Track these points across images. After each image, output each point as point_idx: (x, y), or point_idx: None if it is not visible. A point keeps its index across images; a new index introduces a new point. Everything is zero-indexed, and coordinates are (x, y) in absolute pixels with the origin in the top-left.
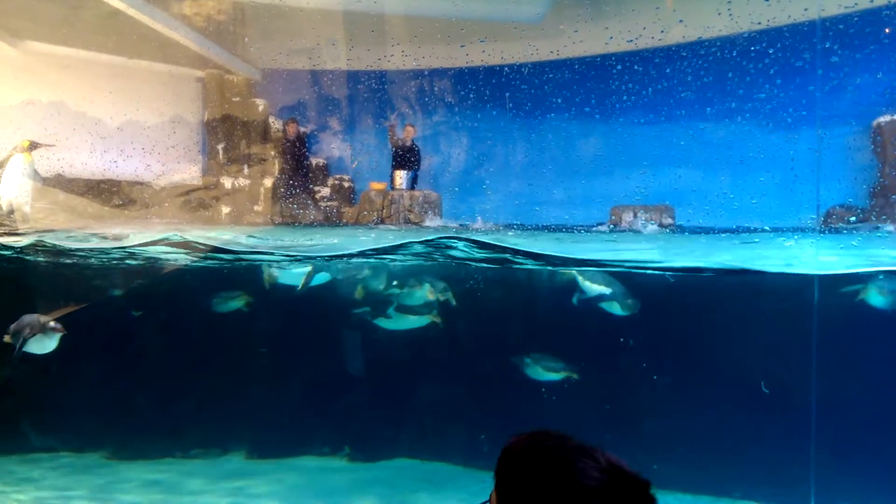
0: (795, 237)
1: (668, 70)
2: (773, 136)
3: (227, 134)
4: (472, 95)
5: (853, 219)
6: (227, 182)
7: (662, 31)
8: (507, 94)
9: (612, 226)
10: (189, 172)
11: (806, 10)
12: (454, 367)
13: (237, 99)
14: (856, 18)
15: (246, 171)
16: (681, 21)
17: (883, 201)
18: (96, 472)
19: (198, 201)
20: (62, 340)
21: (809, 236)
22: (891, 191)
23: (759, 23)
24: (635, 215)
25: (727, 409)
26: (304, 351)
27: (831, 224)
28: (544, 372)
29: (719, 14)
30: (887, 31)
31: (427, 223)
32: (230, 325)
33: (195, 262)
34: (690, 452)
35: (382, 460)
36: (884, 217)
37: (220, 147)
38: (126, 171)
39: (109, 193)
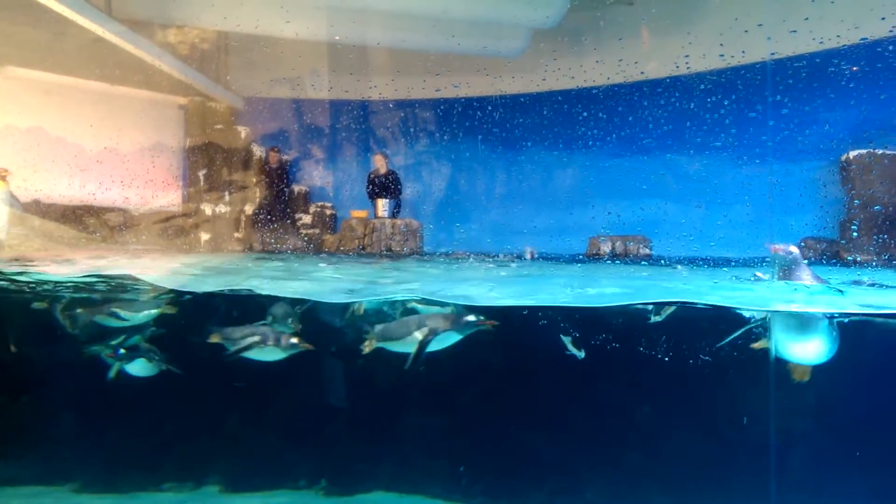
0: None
1: (641, 103)
2: (744, 171)
3: (208, 161)
4: (453, 126)
5: (806, 261)
6: (208, 209)
7: (640, 72)
8: (488, 126)
9: (590, 256)
10: (169, 199)
11: (773, 53)
12: (435, 398)
13: (220, 126)
14: (817, 60)
15: (227, 198)
16: (640, 72)
17: (851, 234)
18: None
19: (177, 228)
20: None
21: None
22: (858, 224)
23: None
24: (613, 245)
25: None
26: (281, 381)
27: (803, 256)
28: None
29: (704, 48)
30: (854, 69)
31: (408, 251)
32: (208, 356)
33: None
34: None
35: (360, 493)
36: (852, 248)
37: (201, 174)
38: (105, 198)
39: (87, 219)
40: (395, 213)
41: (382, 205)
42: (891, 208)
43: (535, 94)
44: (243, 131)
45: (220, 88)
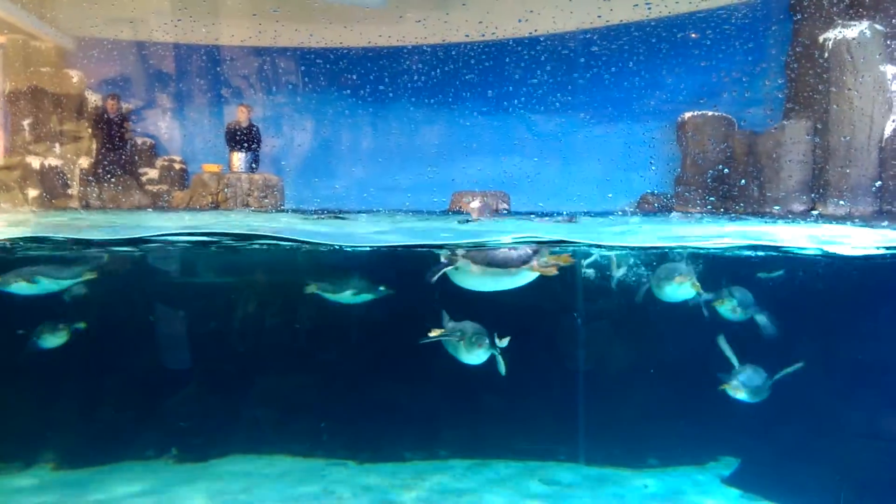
0: None
1: (503, 62)
2: (594, 130)
3: (34, 108)
4: (316, 77)
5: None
6: (35, 162)
7: (494, 27)
8: (352, 78)
9: (451, 211)
10: None
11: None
12: (288, 355)
13: (46, 69)
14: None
15: (57, 150)
16: (522, 21)
17: (683, 189)
18: None
19: None
20: None
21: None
22: (689, 180)
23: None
24: (473, 200)
25: None
26: (119, 344)
27: (643, 209)
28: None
29: (561, 10)
30: (694, 35)
31: (268, 208)
32: (33, 316)
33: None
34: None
35: (214, 458)
36: (683, 202)
37: (25, 123)
38: None
39: None
40: (252, 168)
41: (238, 159)
42: (718, 165)
43: (400, 48)
44: (75, 76)
45: (46, 26)
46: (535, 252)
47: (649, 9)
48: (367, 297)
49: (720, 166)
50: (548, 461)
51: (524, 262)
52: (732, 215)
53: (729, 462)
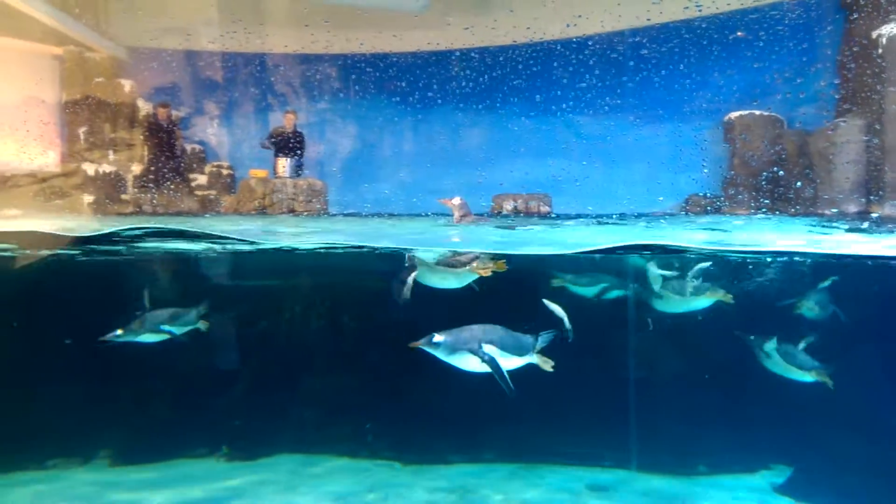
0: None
1: (550, 67)
2: (641, 131)
3: (89, 117)
4: (359, 83)
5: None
6: (90, 169)
7: (542, 31)
8: (401, 85)
9: (494, 213)
10: (46, 158)
11: (686, 7)
12: (335, 357)
13: (100, 79)
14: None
15: (111, 157)
16: (570, 25)
17: (733, 191)
18: None
19: (55, 190)
20: None
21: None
22: (738, 181)
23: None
24: (515, 203)
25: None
26: (174, 346)
27: (690, 210)
28: None
29: (609, 13)
30: (741, 34)
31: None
32: (89, 321)
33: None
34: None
35: (263, 458)
36: (733, 204)
37: (81, 131)
38: None
39: None
40: (297, 173)
41: (283, 164)
42: (773, 167)
43: (448, 55)
44: (127, 84)
45: (100, 37)
46: (477, 257)
47: (699, 10)
48: (617, 293)
49: (775, 168)
50: (594, 467)
51: (467, 263)
52: (785, 216)
53: (781, 470)
